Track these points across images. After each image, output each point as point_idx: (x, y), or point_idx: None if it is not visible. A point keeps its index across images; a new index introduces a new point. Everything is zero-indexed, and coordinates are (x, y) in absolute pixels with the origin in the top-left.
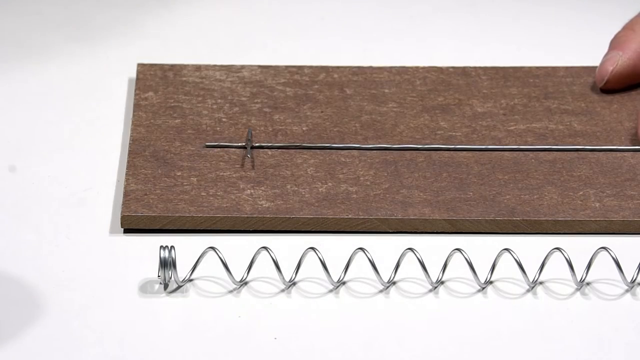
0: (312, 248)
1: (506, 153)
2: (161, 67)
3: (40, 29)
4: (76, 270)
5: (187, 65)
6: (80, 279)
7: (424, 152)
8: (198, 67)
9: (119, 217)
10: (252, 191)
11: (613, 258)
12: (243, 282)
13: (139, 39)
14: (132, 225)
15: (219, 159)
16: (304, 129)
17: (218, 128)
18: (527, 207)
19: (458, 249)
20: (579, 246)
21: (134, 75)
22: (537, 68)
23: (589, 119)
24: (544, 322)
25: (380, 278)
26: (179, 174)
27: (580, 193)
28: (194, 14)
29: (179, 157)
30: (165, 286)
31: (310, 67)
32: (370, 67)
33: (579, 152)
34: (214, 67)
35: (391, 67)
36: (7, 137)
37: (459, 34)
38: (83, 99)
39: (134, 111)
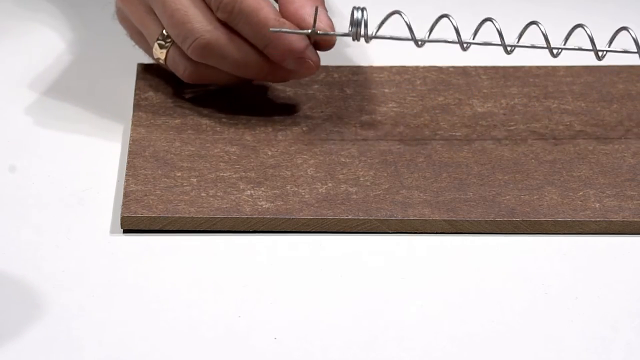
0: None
1: (506, 153)
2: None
3: (40, 29)
4: (76, 270)
5: None
6: (80, 279)
7: (424, 152)
8: None
9: (119, 218)
10: (252, 192)
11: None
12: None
13: None
14: (132, 226)
15: (219, 159)
16: (304, 129)
17: (218, 128)
18: (527, 207)
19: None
20: (579, 247)
21: (134, 75)
22: (537, 68)
23: (589, 119)
24: (543, 322)
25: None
26: (178, 174)
27: (580, 193)
28: None
29: (179, 158)
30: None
31: None
32: (370, 67)
33: (579, 152)
34: None
35: (391, 67)
36: (7, 137)
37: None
38: (83, 98)
39: (134, 111)
